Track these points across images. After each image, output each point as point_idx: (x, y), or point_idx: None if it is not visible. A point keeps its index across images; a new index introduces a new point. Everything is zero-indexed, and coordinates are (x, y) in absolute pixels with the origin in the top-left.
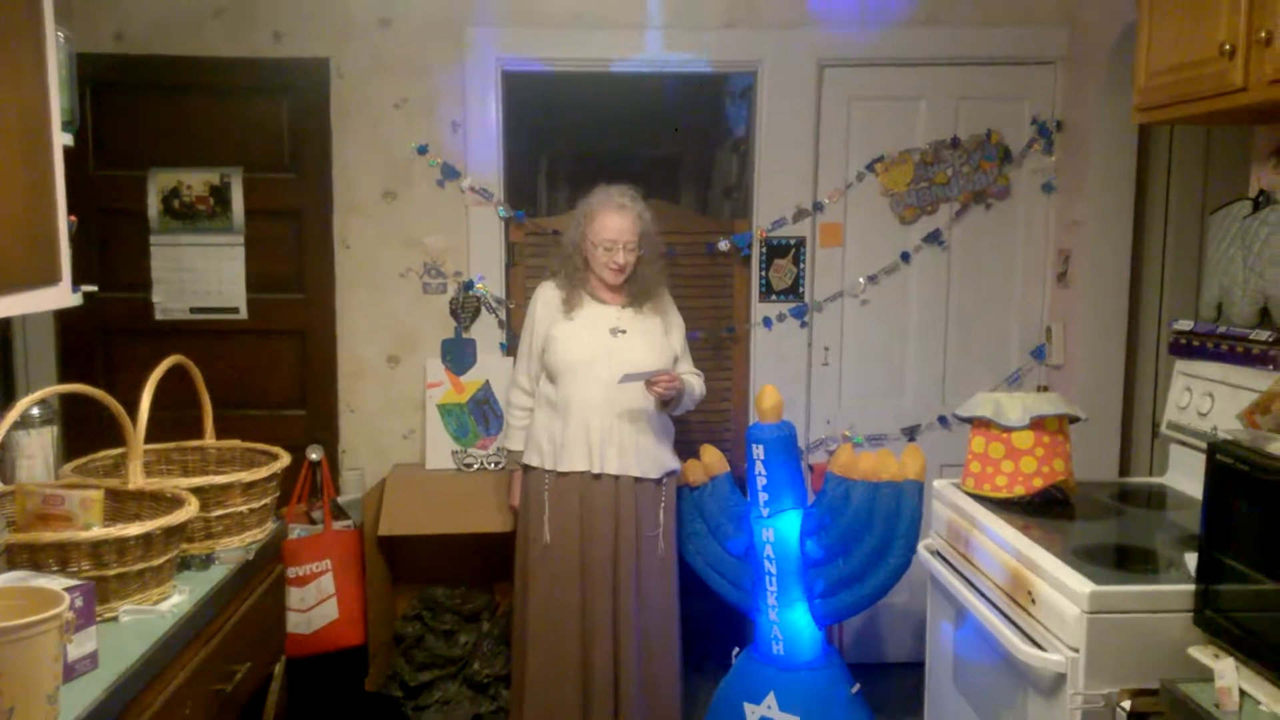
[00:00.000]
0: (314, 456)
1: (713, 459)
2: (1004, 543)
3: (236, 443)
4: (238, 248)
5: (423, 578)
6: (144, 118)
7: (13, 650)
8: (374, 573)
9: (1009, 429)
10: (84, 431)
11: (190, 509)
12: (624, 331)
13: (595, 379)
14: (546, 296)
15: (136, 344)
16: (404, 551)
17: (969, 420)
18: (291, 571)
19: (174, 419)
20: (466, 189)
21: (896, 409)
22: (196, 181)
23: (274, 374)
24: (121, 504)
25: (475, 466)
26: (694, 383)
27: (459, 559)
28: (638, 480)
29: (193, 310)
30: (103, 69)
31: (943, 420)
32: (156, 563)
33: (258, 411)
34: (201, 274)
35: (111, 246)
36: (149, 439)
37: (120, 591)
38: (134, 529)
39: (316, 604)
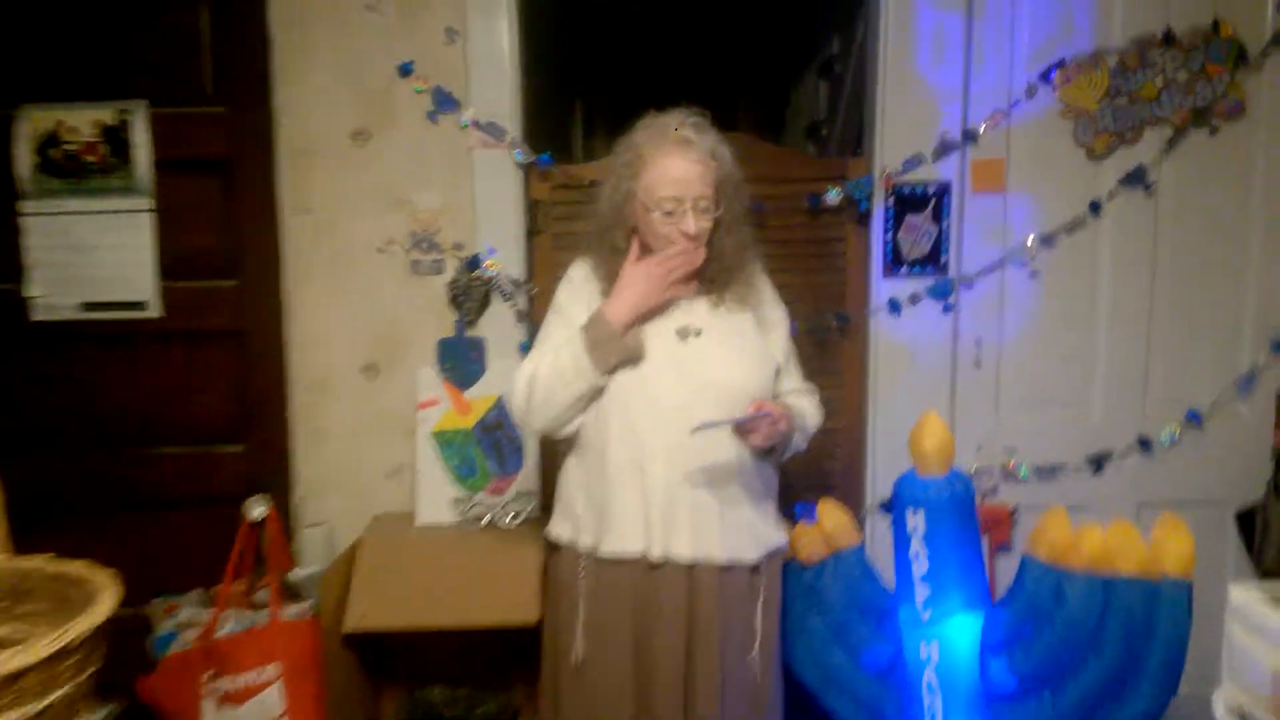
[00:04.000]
0: (255, 514)
1: (836, 524)
2: None
3: (40, 561)
4: (143, 215)
5: (414, 675)
6: (8, 36)
7: None
8: (341, 676)
9: None
10: None
11: None
12: (698, 333)
13: (656, 408)
14: (580, 286)
15: (6, 358)
16: (387, 643)
17: None
18: (223, 685)
19: None
20: (469, 125)
21: (1079, 427)
22: (83, 122)
23: (200, 393)
24: None
25: (486, 520)
26: (808, 411)
27: (463, 650)
28: (725, 570)
29: (85, 307)
30: None
31: (1144, 443)
32: None
33: (176, 449)
34: (95, 255)
35: None
36: None
37: None
38: None
39: None
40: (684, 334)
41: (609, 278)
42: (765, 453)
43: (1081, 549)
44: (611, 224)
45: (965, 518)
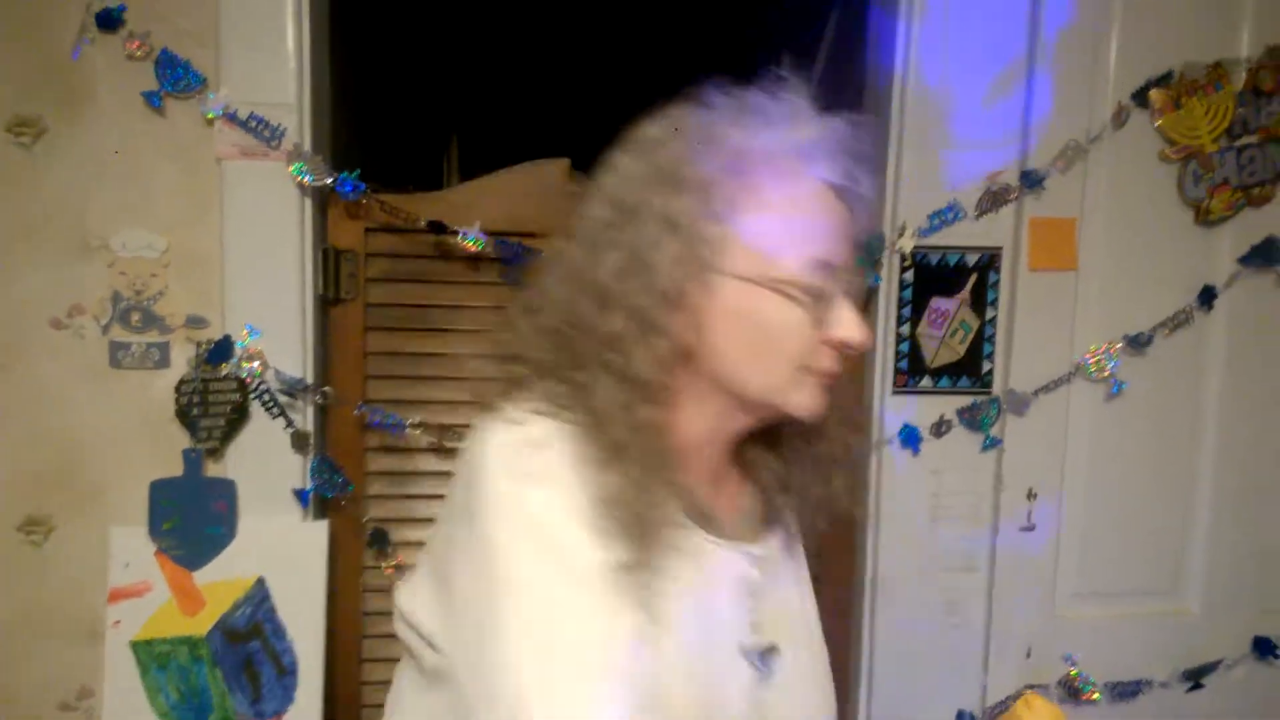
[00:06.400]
0: None
1: None
2: None
3: None
4: None
5: None
6: None
7: None
8: None
9: None
10: None
11: None
12: (775, 650)
13: None
14: (553, 504)
15: None
16: None
17: None
18: None
19: None
20: (219, 116)
21: (1173, 625)
22: None
23: None
24: None
25: None
26: None
27: None
28: None
29: None
30: None
31: (1264, 647)
32: None
33: None
34: None
35: None
36: None
37: None
38: None
39: None
40: (758, 655)
41: (632, 460)
42: None
43: None
44: (641, 330)
45: None
